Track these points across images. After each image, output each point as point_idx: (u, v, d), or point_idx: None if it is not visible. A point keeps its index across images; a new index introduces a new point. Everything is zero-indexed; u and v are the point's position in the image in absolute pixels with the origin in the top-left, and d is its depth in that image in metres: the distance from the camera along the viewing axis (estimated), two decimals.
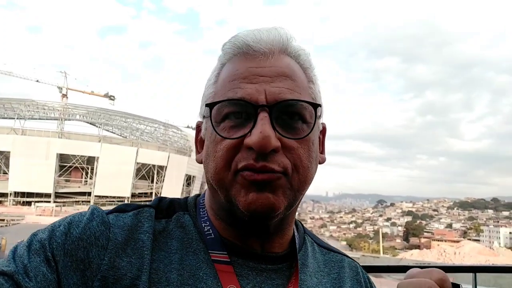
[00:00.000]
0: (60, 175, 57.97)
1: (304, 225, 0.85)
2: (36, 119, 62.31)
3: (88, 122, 65.70)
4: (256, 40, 0.67)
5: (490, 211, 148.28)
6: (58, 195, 57.52)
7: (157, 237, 0.67)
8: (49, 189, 55.47)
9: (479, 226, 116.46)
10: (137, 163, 58.57)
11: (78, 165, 58.52)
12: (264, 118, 0.61)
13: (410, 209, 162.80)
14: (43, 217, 43.52)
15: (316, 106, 0.66)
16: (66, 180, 60.14)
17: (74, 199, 58.95)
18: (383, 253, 57.04)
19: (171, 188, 60.53)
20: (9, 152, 53.01)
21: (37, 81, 74.10)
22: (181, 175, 63.50)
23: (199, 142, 0.75)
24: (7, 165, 54.09)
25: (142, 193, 62.58)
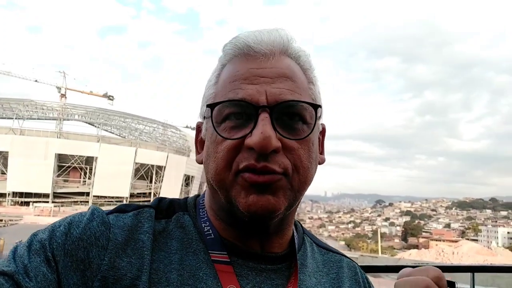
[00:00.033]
0: (58, 175, 57.72)
1: (303, 225, 0.86)
2: (35, 119, 62.13)
3: (86, 122, 65.47)
4: (257, 41, 0.67)
5: (488, 211, 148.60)
6: (56, 195, 57.32)
7: (157, 237, 0.68)
8: (48, 189, 55.27)
9: (477, 226, 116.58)
10: (136, 163, 58.36)
11: (76, 165, 58.26)
12: (265, 118, 0.61)
13: (408, 209, 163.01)
14: (41, 217, 43.36)
15: (316, 107, 0.67)
16: (65, 180, 59.90)
17: (72, 199, 58.75)
18: (382, 253, 57.11)
19: (170, 188, 60.36)
20: (7, 152, 52.77)
21: (36, 81, 73.91)
22: (180, 175, 63.35)
23: (199, 143, 0.76)
24: (5, 165, 53.85)
25: (140, 193, 62.38)
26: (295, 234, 0.77)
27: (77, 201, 58.37)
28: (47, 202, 54.12)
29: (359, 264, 0.87)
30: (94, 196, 56.96)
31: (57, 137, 58.00)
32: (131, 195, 59.56)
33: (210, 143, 0.67)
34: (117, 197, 57.32)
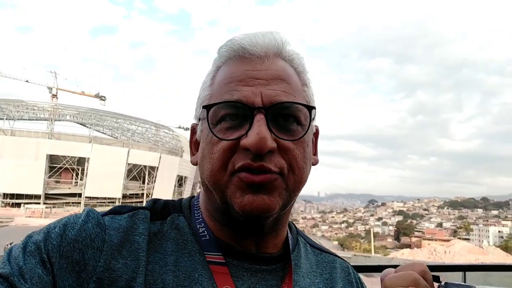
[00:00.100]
0: (50, 176, 57.16)
1: (296, 225, 0.86)
2: (26, 119, 61.53)
3: (78, 123, 64.95)
4: (252, 44, 0.68)
5: (480, 210, 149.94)
6: (48, 196, 56.79)
7: (152, 239, 0.68)
8: (39, 191, 54.75)
9: (469, 225, 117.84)
10: (128, 164, 58.04)
11: (68, 166, 57.71)
12: (260, 119, 0.62)
13: (401, 208, 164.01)
14: (32, 218, 43.05)
15: (310, 108, 0.68)
16: (56, 181, 59.33)
17: (64, 201, 58.26)
18: (375, 253, 57.32)
19: (163, 189, 60.11)
20: None
21: (27, 81, 73.22)
22: (173, 176, 63.09)
23: (194, 144, 0.76)
24: None
25: (133, 194, 62.02)
26: (289, 234, 0.78)
27: (69, 202, 57.91)
28: (39, 203, 53.57)
29: (352, 264, 0.88)
30: (86, 197, 56.51)
31: (49, 138, 57.49)
32: (124, 196, 59.16)
33: (206, 144, 0.67)
34: (110, 198, 56.97)
